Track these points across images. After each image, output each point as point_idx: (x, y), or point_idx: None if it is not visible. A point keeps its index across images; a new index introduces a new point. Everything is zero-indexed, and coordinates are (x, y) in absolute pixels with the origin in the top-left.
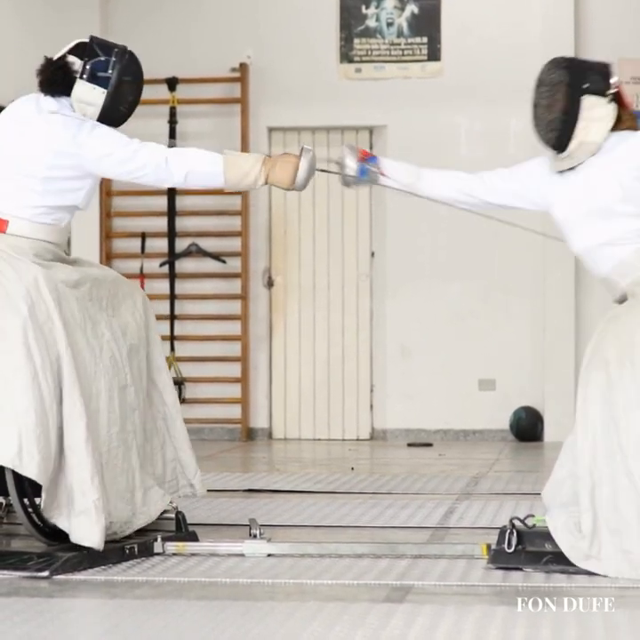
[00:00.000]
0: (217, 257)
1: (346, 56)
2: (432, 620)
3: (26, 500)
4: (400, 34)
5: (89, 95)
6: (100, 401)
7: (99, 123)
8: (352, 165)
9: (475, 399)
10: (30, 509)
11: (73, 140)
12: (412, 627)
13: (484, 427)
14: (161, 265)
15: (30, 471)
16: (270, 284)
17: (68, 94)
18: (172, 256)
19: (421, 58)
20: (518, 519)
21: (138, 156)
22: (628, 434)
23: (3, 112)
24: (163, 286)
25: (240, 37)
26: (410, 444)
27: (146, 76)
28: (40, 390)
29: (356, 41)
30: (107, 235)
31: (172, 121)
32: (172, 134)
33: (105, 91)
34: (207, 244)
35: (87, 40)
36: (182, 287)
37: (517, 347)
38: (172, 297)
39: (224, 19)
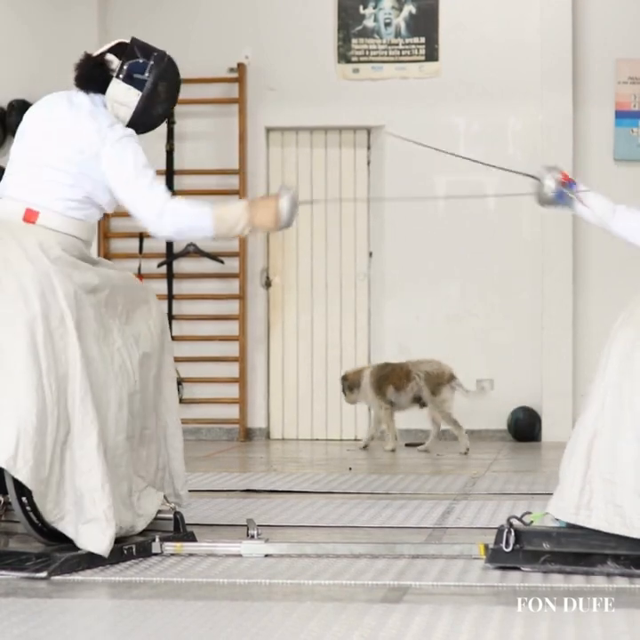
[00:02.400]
0: (215, 257)
1: (344, 56)
2: (429, 620)
3: (24, 499)
4: (398, 34)
5: (124, 96)
6: (109, 410)
7: (130, 131)
8: (551, 186)
9: (473, 399)
10: (28, 508)
11: (97, 133)
12: (409, 627)
13: (482, 427)
14: (159, 265)
15: (23, 475)
16: (268, 284)
17: (103, 92)
18: (169, 256)
19: (419, 58)
20: (516, 518)
21: (143, 198)
22: None
23: (34, 105)
24: (160, 286)
25: (238, 38)
26: (408, 444)
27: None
28: (43, 394)
29: (354, 41)
30: (105, 235)
31: (171, 121)
32: (170, 134)
33: (140, 93)
34: (205, 244)
35: (128, 41)
36: (180, 287)
37: (515, 347)
38: (170, 297)
39: (222, 19)
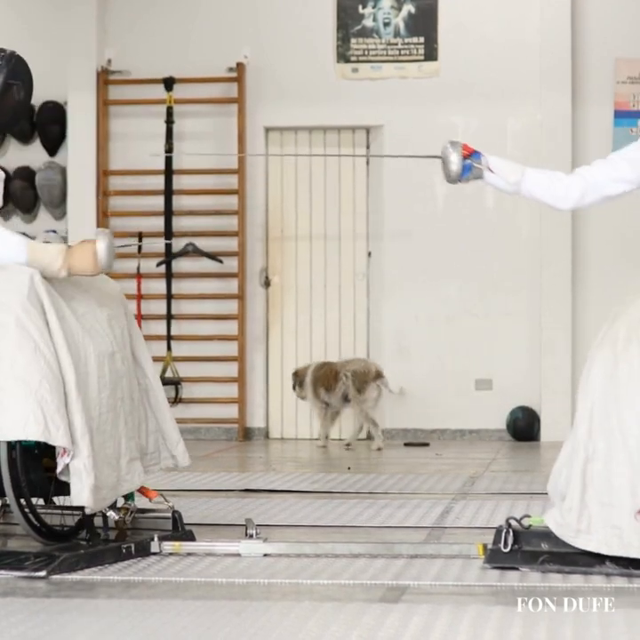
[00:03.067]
0: (214, 257)
1: (343, 56)
2: (428, 619)
3: (23, 500)
4: (397, 34)
5: None
6: (88, 365)
7: None
8: (455, 161)
9: (471, 399)
10: (27, 509)
11: None
12: (407, 627)
13: (481, 426)
14: (158, 265)
15: (60, 441)
16: (267, 283)
17: None
18: (168, 256)
19: (418, 58)
20: (514, 519)
21: None
22: (629, 409)
23: None
24: (159, 286)
25: (237, 37)
26: (407, 444)
27: (143, 76)
28: (46, 360)
29: (353, 41)
30: None
31: (169, 121)
32: (169, 134)
33: None
34: (204, 243)
35: None
36: (179, 287)
37: (514, 346)
38: (169, 297)
39: (221, 18)
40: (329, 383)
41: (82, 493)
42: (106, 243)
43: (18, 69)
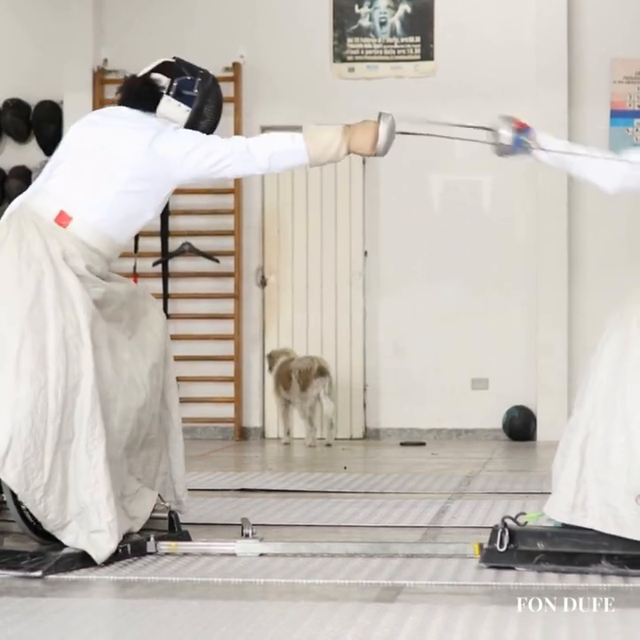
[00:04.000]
0: (210, 256)
1: (339, 55)
2: (423, 619)
3: (19, 499)
4: (393, 33)
5: (174, 112)
6: (112, 423)
7: (179, 127)
8: (507, 135)
9: (468, 398)
10: (24, 507)
11: (149, 147)
12: (403, 626)
13: (477, 426)
14: (154, 264)
15: (9, 479)
16: (263, 283)
17: (153, 109)
18: (165, 255)
19: (414, 57)
20: (510, 518)
21: (221, 147)
22: (634, 393)
23: (82, 119)
24: (156, 285)
25: (233, 37)
26: (403, 443)
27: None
28: (46, 401)
29: (350, 40)
30: None
31: None
32: None
33: (189, 108)
34: (200, 243)
35: (172, 60)
36: (175, 286)
37: (510, 346)
38: (166, 296)
39: (217, 18)
40: (286, 382)
41: (102, 552)
42: (388, 126)
43: (214, 86)
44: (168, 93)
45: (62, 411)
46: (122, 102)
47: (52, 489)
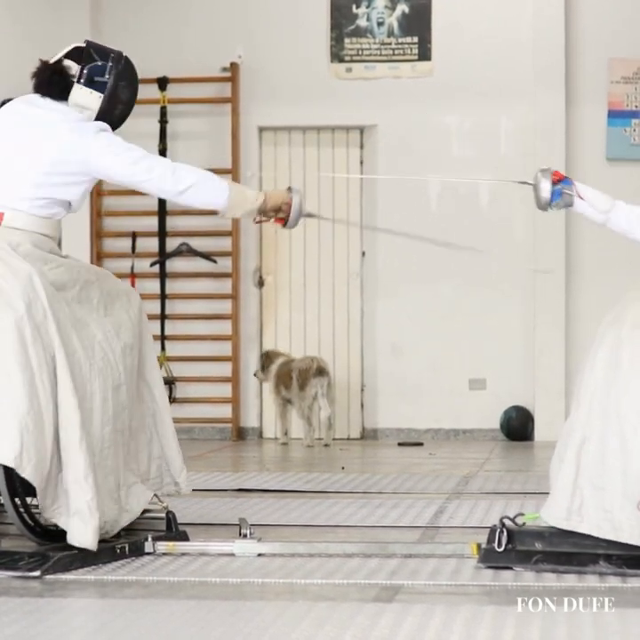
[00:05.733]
0: (207, 256)
1: (336, 56)
2: (422, 619)
3: (17, 500)
4: (391, 33)
5: (86, 99)
6: (93, 401)
7: (103, 124)
8: (546, 188)
9: (465, 398)
10: (22, 509)
11: (80, 139)
12: (401, 626)
13: (475, 426)
14: (151, 264)
15: (28, 473)
16: (261, 283)
17: (65, 98)
18: (162, 255)
19: (412, 57)
20: (508, 518)
21: (146, 161)
22: (627, 395)
23: (6, 108)
24: (153, 286)
25: (231, 37)
26: (400, 444)
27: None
28: (37, 391)
29: (347, 40)
30: (97, 234)
31: (163, 120)
32: (163, 134)
33: (102, 95)
34: (198, 243)
35: (83, 45)
36: (173, 287)
37: (508, 346)
38: (163, 296)
39: (215, 18)
40: (287, 382)
41: (85, 535)
42: (299, 200)
43: (127, 69)
44: (79, 81)
45: (51, 399)
46: (35, 90)
47: (51, 476)
